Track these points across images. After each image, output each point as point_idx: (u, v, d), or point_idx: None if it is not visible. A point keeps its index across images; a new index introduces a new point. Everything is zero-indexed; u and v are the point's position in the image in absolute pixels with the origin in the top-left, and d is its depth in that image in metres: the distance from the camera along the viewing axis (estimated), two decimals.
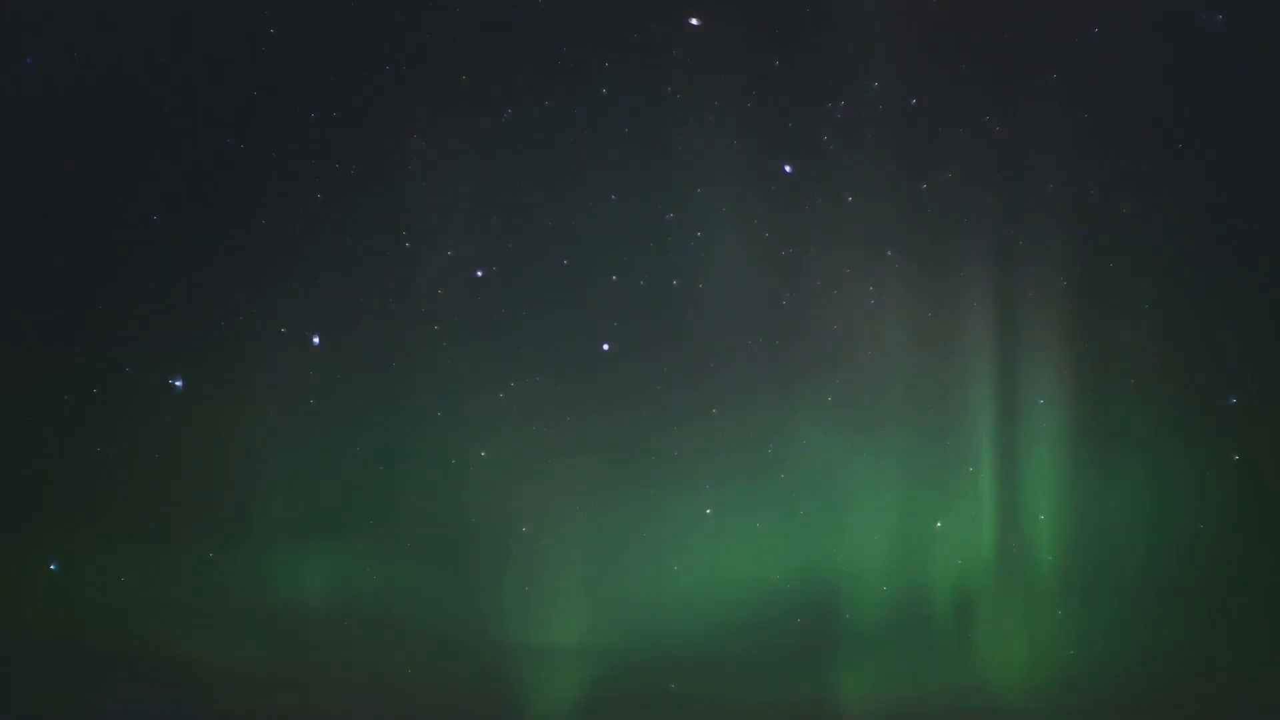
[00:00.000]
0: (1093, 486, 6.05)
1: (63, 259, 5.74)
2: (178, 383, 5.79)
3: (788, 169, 5.95)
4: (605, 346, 5.95)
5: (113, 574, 5.83)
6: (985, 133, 5.95)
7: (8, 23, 5.70)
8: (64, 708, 5.78)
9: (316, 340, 5.85)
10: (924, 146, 5.95)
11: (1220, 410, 6.00)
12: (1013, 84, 5.95)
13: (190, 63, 5.75)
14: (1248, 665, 6.01)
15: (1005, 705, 6.08)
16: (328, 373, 5.87)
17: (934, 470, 6.04)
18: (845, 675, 6.08)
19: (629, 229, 5.93)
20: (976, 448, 6.05)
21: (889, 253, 6.00)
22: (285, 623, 5.90)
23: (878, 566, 6.06)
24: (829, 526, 6.05)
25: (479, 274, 5.92)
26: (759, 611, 6.04)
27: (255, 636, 5.89)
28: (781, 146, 5.93)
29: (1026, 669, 6.11)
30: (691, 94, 5.89)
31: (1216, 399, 6.00)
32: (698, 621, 6.04)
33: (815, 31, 5.90)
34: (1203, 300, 5.98)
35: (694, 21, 5.87)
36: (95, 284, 5.76)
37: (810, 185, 5.95)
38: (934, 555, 6.06)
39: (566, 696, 6.00)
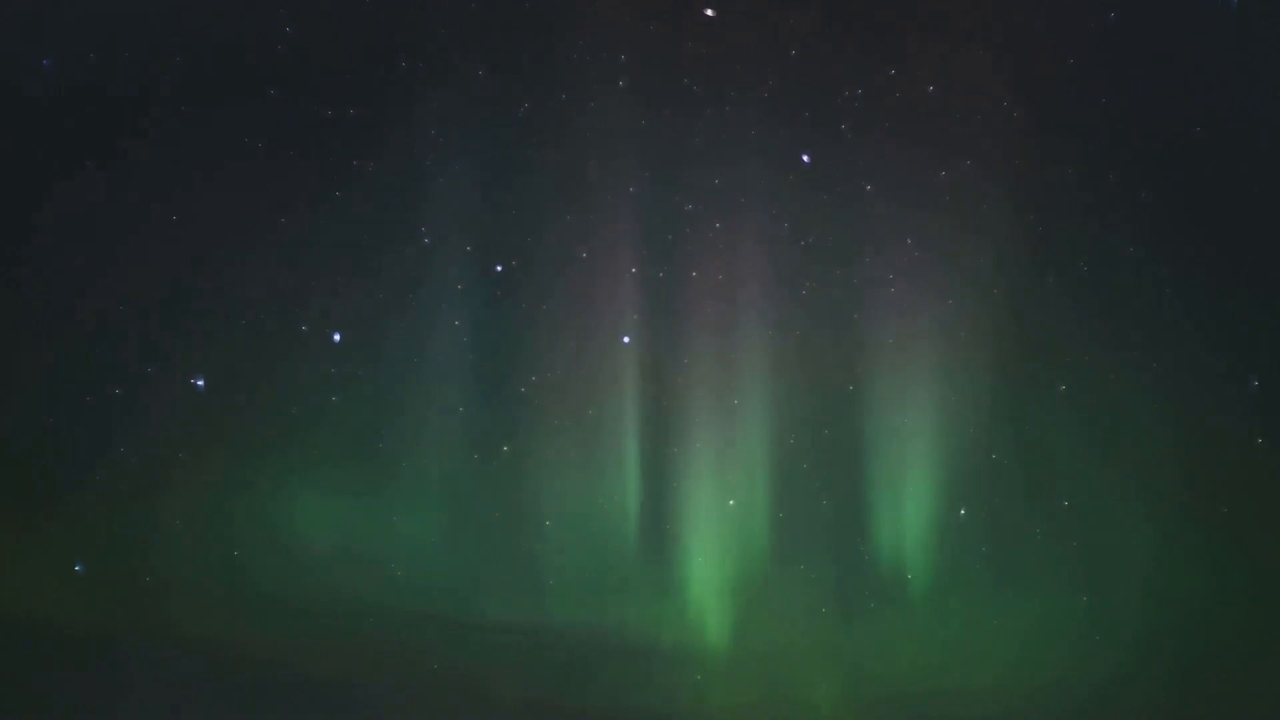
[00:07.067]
0: (1115, 472, 6.05)
1: (84, 260, 5.75)
2: (199, 382, 5.80)
3: (806, 159, 5.95)
4: (626, 339, 5.96)
5: (137, 574, 5.83)
6: (1004, 120, 5.94)
7: (24, 23, 5.71)
8: (88, 707, 5.78)
9: (337, 338, 5.86)
10: (942, 134, 5.95)
11: (1243, 392, 5.99)
12: (1031, 71, 5.94)
13: (207, 62, 5.76)
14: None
15: (1027, 695, 6.08)
16: (349, 370, 5.88)
17: (957, 458, 6.04)
18: (869, 665, 6.08)
19: (647, 221, 5.94)
20: (999, 435, 6.04)
21: (908, 241, 6.00)
22: (309, 619, 5.91)
23: (902, 555, 6.06)
24: (852, 516, 6.05)
25: (498, 268, 5.93)
26: (783, 602, 6.04)
27: (280, 634, 5.89)
28: (799, 136, 5.93)
29: (1050, 658, 6.11)
30: (708, 86, 5.89)
31: (1239, 381, 5.99)
32: (721, 613, 6.04)
33: (831, 20, 5.90)
34: (1225, 283, 5.98)
35: (709, 13, 5.87)
36: (117, 285, 5.76)
37: (829, 175, 5.95)
38: (958, 543, 6.06)
39: (587, 688, 6.01)
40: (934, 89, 5.93)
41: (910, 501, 6.03)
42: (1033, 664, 6.07)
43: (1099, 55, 5.95)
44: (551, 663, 6.00)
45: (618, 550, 6.01)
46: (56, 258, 5.74)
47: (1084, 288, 6.00)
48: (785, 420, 6.02)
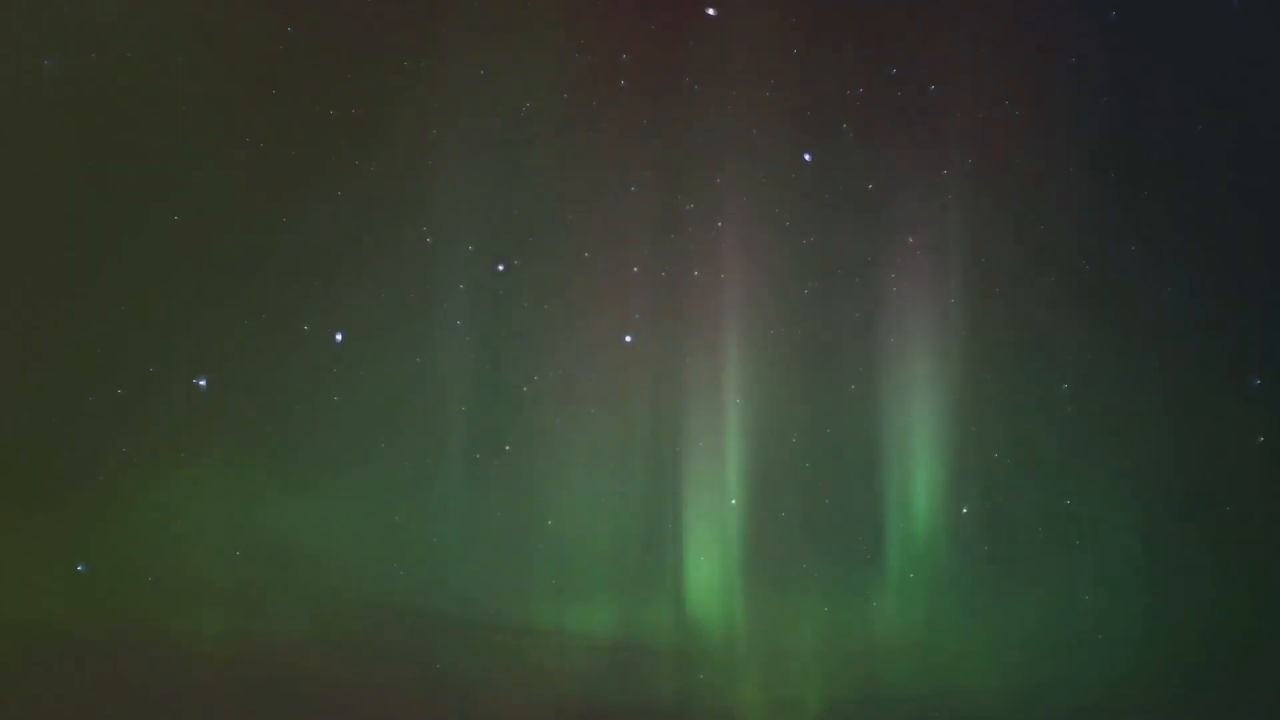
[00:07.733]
0: (1117, 471, 6.06)
1: (85, 260, 5.74)
2: (201, 382, 5.79)
3: (807, 158, 5.96)
4: (628, 338, 5.96)
5: (139, 574, 5.82)
6: (1004, 120, 5.96)
7: (25, 24, 5.71)
8: (88, 707, 5.76)
9: (339, 338, 5.86)
10: (943, 134, 5.96)
11: (1243, 392, 6.00)
12: (1031, 71, 5.96)
13: (209, 62, 5.75)
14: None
15: (1028, 695, 6.08)
16: (351, 370, 5.88)
17: (958, 458, 6.04)
18: (870, 664, 6.08)
19: (649, 220, 5.95)
20: (1000, 435, 6.05)
21: (910, 240, 6.01)
22: (309, 619, 5.90)
23: (903, 554, 6.06)
24: (854, 515, 6.05)
25: (500, 268, 5.93)
26: (785, 601, 6.04)
27: (281, 634, 5.88)
28: (800, 136, 5.94)
29: (1051, 657, 6.11)
30: (710, 85, 5.90)
31: (1239, 380, 6.00)
32: (723, 613, 6.04)
33: (832, 20, 5.91)
34: (1227, 281, 5.99)
35: (710, 12, 5.88)
36: (118, 285, 5.76)
37: (830, 174, 5.96)
38: (960, 542, 6.06)
39: (588, 688, 6.00)
40: (935, 89, 5.94)
41: (912, 500, 6.04)
42: (1034, 664, 6.07)
43: (1099, 55, 5.96)
44: (552, 663, 5.99)
45: (619, 550, 6.01)
46: (56, 258, 5.73)
47: (1084, 288, 6.01)
48: (787, 420, 6.02)
